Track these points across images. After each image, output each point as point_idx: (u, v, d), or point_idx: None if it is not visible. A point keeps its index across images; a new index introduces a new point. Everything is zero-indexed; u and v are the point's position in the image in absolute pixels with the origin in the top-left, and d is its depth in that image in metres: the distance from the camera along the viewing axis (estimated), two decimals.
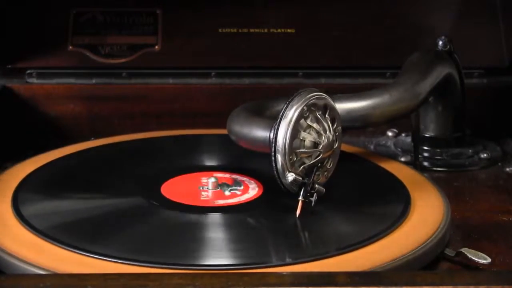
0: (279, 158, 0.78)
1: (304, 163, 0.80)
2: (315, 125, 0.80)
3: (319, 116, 0.80)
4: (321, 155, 0.80)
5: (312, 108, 0.80)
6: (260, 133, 0.82)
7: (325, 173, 0.82)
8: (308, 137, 0.80)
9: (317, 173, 0.80)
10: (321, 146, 0.80)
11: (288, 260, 0.72)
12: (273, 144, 0.79)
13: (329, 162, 0.82)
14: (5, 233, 0.76)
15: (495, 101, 1.11)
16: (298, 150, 0.79)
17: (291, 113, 0.79)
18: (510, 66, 1.12)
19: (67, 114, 1.09)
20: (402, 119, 0.98)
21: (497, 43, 1.13)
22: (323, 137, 0.80)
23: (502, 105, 1.10)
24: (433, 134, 1.03)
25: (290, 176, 0.79)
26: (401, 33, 1.13)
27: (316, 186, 0.79)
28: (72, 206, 0.83)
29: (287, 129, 0.78)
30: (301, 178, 0.79)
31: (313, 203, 0.79)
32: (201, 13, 1.13)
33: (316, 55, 1.12)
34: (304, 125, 0.80)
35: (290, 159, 0.79)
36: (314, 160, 0.80)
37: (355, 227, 0.79)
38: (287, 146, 0.78)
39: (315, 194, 0.79)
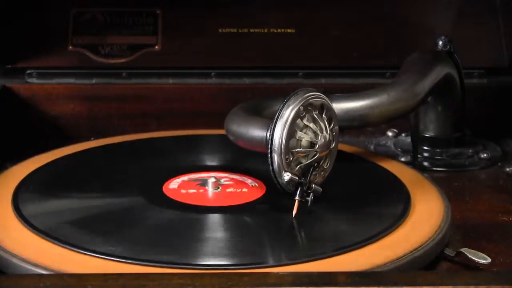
0: (276, 157, 0.78)
1: (300, 162, 0.80)
2: (311, 124, 0.80)
3: (315, 116, 0.80)
4: (318, 154, 0.80)
5: (309, 108, 0.80)
6: (257, 132, 0.82)
7: (322, 173, 0.82)
8: (304, 137, 0.80)
9: (313, 172, 0.80)
10: (317, 145, 0.80)
11: (287, 260, 0.72)
12: (270, 144, 0.79)
13: (326, 161, 0.82)
14: (5, 233, 0.76)
15: (495, 101, 1.10)
16: (294, 150, 0.79)
17: (288, 113, 0.79)
18: (510, 66, 1.12)
19: (67, 114, 1.09)
20: (402, 119, 0.98)
21: (497, 43, 1.13)
22: (319, 137, 0.80)
23: (502, 105, 1.10)
24: (433, 134, 1.03)
25: (287, 176, 0.78)
26: (401, 33, 1.13)
27: (313, 185, 0.79)
28: (72, 206, 0.83)
29: (284, 128, 0.78)
30: (297, 178, 0.79)
31: (309, 203, 0.79)
32: (201, 13, 1.13)
33: (316, 55, 1.12)
34: (301, 124, 0.80)
35: (287, 159, 0.79)
36: (311, 160, 0.80)
37: (355, 227, 0.79)
38: (283, 146, 0.78)
39: (311, 193, 0.79)
